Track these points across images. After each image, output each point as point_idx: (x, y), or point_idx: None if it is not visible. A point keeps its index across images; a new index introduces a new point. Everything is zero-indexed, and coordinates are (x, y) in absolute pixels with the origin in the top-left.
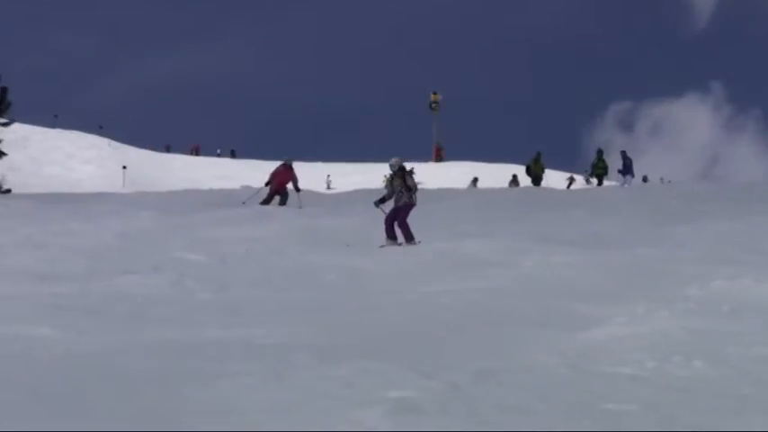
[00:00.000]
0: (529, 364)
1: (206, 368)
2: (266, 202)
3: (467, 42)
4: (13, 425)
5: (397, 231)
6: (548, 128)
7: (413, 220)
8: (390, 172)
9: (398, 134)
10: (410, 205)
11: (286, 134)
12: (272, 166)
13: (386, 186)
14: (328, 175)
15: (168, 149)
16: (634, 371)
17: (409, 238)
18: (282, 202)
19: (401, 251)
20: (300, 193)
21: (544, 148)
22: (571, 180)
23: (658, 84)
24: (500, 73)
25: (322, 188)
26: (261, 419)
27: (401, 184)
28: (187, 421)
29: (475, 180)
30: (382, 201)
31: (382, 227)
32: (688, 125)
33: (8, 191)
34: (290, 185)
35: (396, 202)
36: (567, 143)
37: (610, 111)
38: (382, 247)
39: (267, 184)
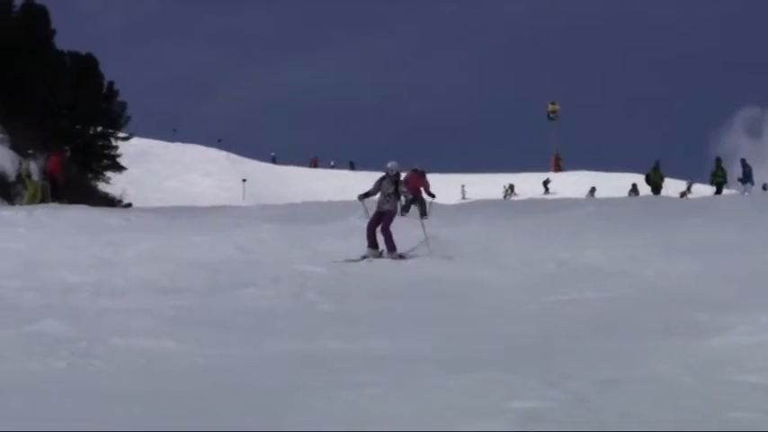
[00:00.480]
0: (652, 374)
1: (328, 380)
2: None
3: (585, 50)
4: None
5: (379, 239)
6: (671, 135)
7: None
8: (384, 174)
9: (516, 144)
10: (393, 213)
11: (402, 145)
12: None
13: (374, 185)
14: (463, 186)
15: (274, 160)
16: (759, 379)
17: (391, 248)
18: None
19: (528, 261)
20: (433, 200)
21: (668, 156)
22: (683, 193)
23: None
24: (621, 80)
25: (455, 198)
26: (385, 429)
27: (392, 190)
28: (311, 430)
29: (592, 189)
30: (366, 195)
31: (505, 238)
32: None
33: (129, 205)
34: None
35: (380, 205)
36: (691, 150)
37: (737, 117)
38: (364, 258)
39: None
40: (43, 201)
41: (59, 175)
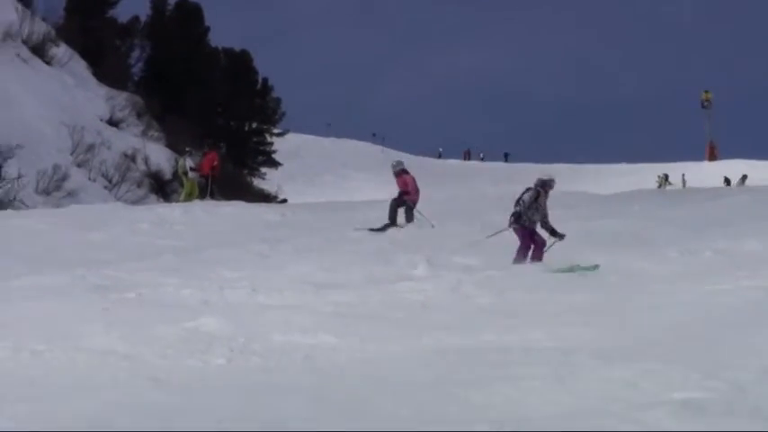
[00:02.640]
0: None
1: (486, 373)
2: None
3: (741, 37)
4: (300, 427)
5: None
6: None
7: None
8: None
9: (671, 133)
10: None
11: (556, 135)
12: (545, 169)
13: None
14: (683, 174)
15: (440, 155)
16: None
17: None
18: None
19: (685, 251)
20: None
21: None
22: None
23: None
24: None
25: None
26: (544, 423)
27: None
28: (468, 424)
29: (744, 177)
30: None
31: (662, 228)
32: None
33: (284, 200)
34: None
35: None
36: None
37: None
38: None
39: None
40: (200, 197)
41: (216, 171)
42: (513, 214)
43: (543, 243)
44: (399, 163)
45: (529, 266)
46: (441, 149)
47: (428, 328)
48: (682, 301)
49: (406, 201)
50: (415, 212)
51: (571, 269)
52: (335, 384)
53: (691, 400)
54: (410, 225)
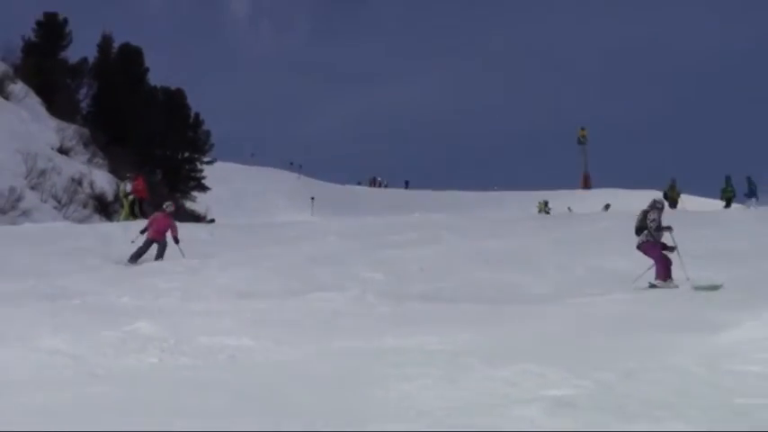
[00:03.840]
0: (668, 365)
1: (387, 372)
2: (141, 252)
3: (618, 76)
4: (222, 421)
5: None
6: (699, 155)
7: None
8: None
9: (551, 165)
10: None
11: (449, 165)
12: (441, 195)
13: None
14: (569, 207)
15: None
16: (762, 369)
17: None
18: (160, 254)
19: (560, 268)
20: (180, 244)
21: (695, 174)
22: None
23: None
24: (648, 104)
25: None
26: (435, 416)
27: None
28: (372, 419)
29: (607, 206)
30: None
31: (541, 248)
32: None
33: (212, 220)
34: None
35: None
36: (717, 168)
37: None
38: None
39: (143, 232)
40: (135, 217)
41: (143, 194)
42: (650, 228)
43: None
44: (169, 205)
45: (423, 281)
46: (356, 178)
47: (336, 332)
48: (557, 311)
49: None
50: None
51: (701, 287)
52: (253, 380)
53: (563, 397)
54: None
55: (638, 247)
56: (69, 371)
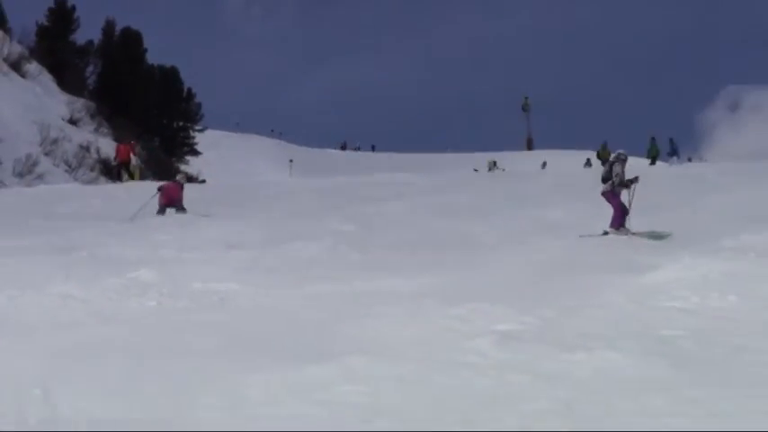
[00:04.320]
0: (602, 302)
1: (356, 311)
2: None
3: (559, 52)
4: (214, 360)
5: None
6: (662, 114)
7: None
8: None
9: (500, 129)
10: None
11: (417, 129)
12: (404, 158)
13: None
14: (545, 162)
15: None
16: (682, 304)
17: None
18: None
19: (507, 218)
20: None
21: (658, 131)
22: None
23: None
24: (584, 76)
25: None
26: (399, 349)
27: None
28: (341, 352)
29: (544, 163)
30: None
31: (489, 202)
32: None
33: (203, 181)
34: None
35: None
36: (680, 126)
37: (720, 94)
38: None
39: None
40: (134, 179)
41: (127, 157)
42: (614, 182)
43: (627, 211)
44: (183, 177)
45: (389, 231)
46: (326, 142)
47: (312, 278)
48: (505, 256)
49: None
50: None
51: (652, 236)
52: (240, 321)
53: (509, 331)
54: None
55: (602, 194)
56: (80, 313)
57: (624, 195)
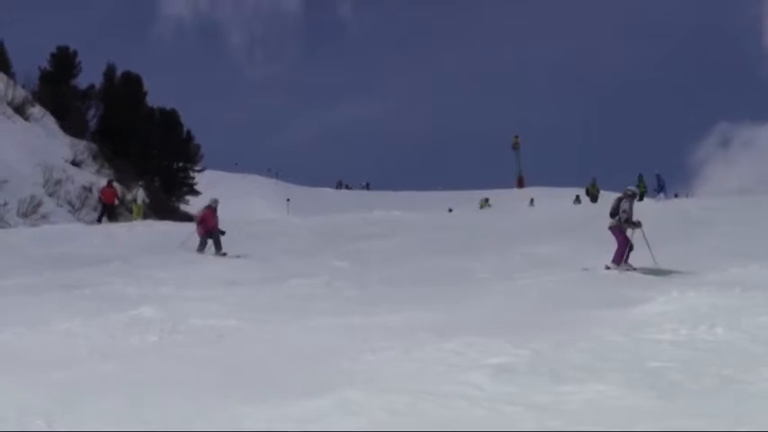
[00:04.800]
0: (592, 335)
1: (354, 346)
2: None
3: (548, 91)
4: (213, 394)
5: None
6: (654, 150)
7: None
8: None
9: (490, 167)
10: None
11: (410, 167)
12: (396, 195)
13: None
14: (532, 199)
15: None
16: (671, 337)
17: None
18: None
19: (500, 254)
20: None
21: (650, 168)
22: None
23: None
24: (573, 114)
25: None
26: (394, 381)
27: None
28: (337, 385)
29: (531, 200)
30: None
31: (483, 238)
32: None
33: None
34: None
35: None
36: (672, 162)
37: (712, 132)
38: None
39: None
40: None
41: (111, 200)
42: (621, 219)
43: (632, 247)
44: (215, 201)
45: (384, 268)
46: (324, 180)
47: (309, 313)
48: (498, 291)
49: (213, 232)
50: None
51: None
52: (239, 355)
53: (503, 364)
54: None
55: (609, 228)
56: (83, 349)
57: (629, 231)
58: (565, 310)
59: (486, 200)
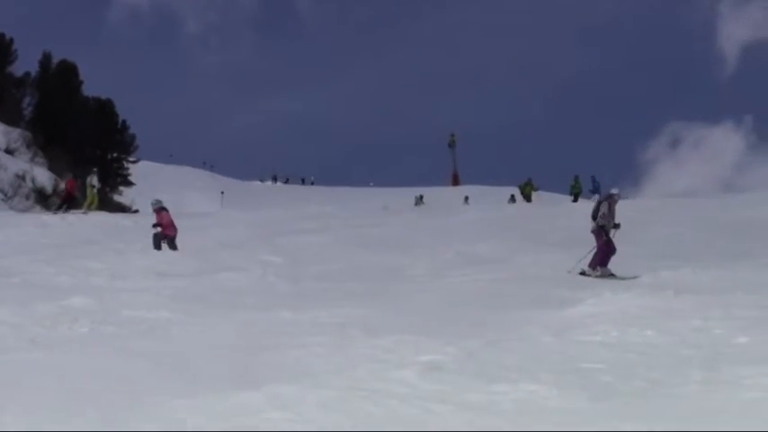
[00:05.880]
0: (523, 335)
1: (283, 341)
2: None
3: (485, 89)
4: (144, 386)
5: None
6: (604, 149)
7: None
8: None
9: (426, 164)
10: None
11: (346, 162)
12: (331, 191)
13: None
14: (467, 197)
15: (275, 179)
16: (602, 338)
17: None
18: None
19: (433, 252)
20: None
21: (600, 166)
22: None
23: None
24: (511, 113)
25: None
26: (325, 377)
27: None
28: (267, 379)
29: (466, 198)
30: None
31: (417, 235)
32: (722, 146)
33: (136, 211)
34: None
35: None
36: (621, 161)
37: (663, 131)
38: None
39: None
40: (96, 207)
41: (74, 192)
42: (598, 222)
43: (614, 250)
44: (158, 202)
45: (317, 263)
46: (258, 174)
47: (241, 307)
48: (430, 289)
49: (166, 235)
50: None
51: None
52: (169, 348)
53: (433, 362)
54: (177, 252)
55: (591, 232)
56: (12, 339)
57: (612, 233)
58: (497, 309)
59: (421, 197)
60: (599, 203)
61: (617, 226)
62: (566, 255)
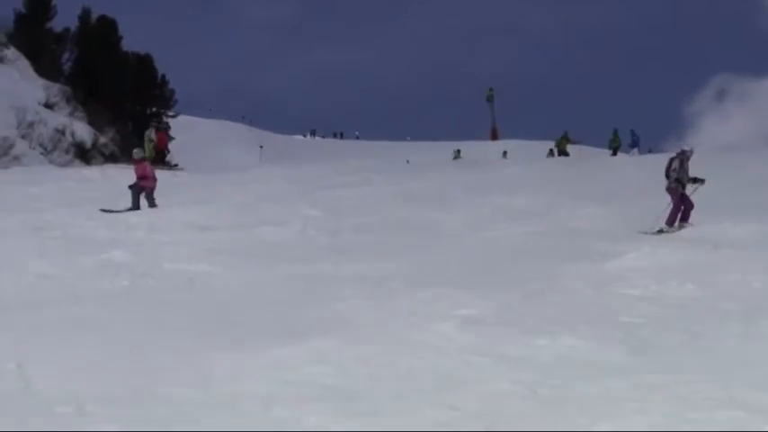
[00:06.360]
0: (563, 288)
1: (324, 294)
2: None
3: (523, 44)
4: (184, 339)
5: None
6: (648, 102)
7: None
8: None
9: (465, 119)
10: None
11: (385, 116)
12: (371, 145)
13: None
14: (505, 152)
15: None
16: (641, 292)
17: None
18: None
19: (471, 206)
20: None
21: (643, 120)
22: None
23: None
24: (548, 68)
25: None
26: (365, 331)
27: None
28: (308, 333)
29: (504, 153)
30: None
31: (454, 189)
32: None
33: (176, 165)
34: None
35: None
36: (666, 114)
37: (709, 83)
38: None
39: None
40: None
41: (164, 146)
42: (671, 178)
43: (691, 205)
44: (138, 152)
45: (357, 216)
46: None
47: (280, 260)
48: (467, 243)
49: (143, 187)
50: (155, 196)
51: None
52: (209, 301)
53: (472, 315)
54: (154, 209)
55: (666, 189)
56: (54, 292)
57: (689, 189)
58: (535, 262)
59: (459, 151)
60: (671, 161)
61: (699, 181)
62: (605, 209)
